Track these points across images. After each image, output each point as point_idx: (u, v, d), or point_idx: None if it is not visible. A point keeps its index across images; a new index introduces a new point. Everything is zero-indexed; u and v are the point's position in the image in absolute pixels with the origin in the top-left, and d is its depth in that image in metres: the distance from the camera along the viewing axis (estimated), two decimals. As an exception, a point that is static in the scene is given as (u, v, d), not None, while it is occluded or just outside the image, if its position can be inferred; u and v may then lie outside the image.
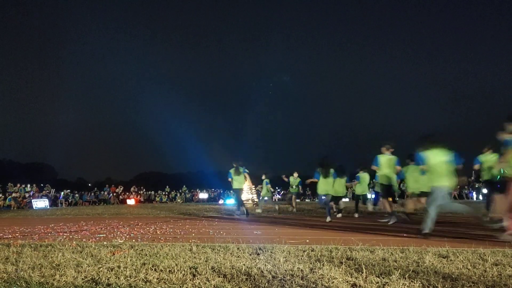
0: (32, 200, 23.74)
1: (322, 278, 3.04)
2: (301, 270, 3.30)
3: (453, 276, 3.06)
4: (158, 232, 7.09)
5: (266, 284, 2.93)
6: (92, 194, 30.96)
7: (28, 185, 25.95)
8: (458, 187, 10.18)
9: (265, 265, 3.52)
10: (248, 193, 19.03)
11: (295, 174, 14.94)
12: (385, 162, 8.76)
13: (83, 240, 5.96)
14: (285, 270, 3.31)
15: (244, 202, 15.27)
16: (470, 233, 6.40)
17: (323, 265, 3.49)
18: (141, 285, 2.95)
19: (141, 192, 34.82)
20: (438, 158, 6.12)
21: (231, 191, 31.81)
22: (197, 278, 3.08)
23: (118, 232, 7.19)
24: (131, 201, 30.47)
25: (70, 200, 28.14)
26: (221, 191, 35.46)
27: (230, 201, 26.81)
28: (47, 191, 27.44)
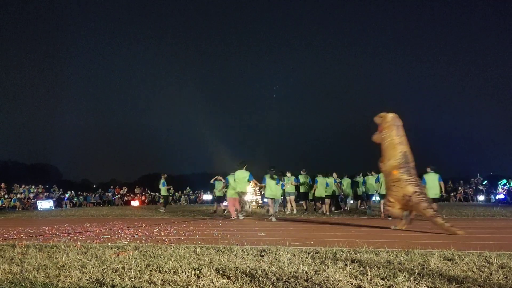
0: (37, 201, 23.85)
1: (326, 280, 3.03)
2: (306, 272, 3.29)
3: (459, 279, 3.04)
4: (162, 234, 7.10)
5: (271, 286, 2.92)
6: (97, 195, 31.06)
7: (33, 186, 26.05)
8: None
9: (270, 267, 3.52)
10: (252, 195, 18.95)
11: (288, 174, 14.35)
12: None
13: (88, 241, 5.98)
14: (290, 272, 3.30)
15: (249, 204, 15.26)
16: (476, 236, 6.36)
17: (327, 267, 3.48)
18: (146, 287, 2.95)
19: (146, 193, 34.89)
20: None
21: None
22: (202, 280, 3.08)
23: (123, 234, 7.21)
24: (135, 203, 30.50)
25: (74, 201, 28.26)
26: (226, 193, 35.46)
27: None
28: (55, 192, 27.56)
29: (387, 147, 7.48)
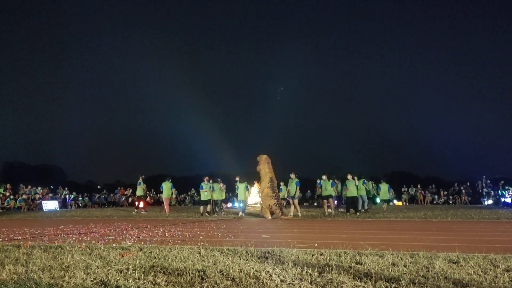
0: (42, 202, 23.97)
1: (331, 282, 3.03)
2: (310, 274, 3.28)
3: (464, 281, 3.02)
4: (166, 235, 7.12)
5: (274, 288, 2.92)
6: (102, 196, 31.18)
7: (39, 188, 26.21)
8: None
9: (274, 268, 3.52)
10: (256, 196, 18.95)
11: (292, 176, 14.17)
12: (206, 187, 15.26)
13: (92, 242, 6.01)
14: (294, 274, 3.30)
15: (252, 205, 15.34)
16: (481, 239, 6.31)
17: (331, 269, 3.47)
18: (150, 288, 2.96)
19: (150, 194, 34.96)
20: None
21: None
22: (206, 281, 3.09)
23: (127, 235, 7.23)
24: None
25: (79, 202, 28.39)
26: (229, 194, 35.45)
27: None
28: (61, 193, 27.69)
29: (262, 175, 12.97)
